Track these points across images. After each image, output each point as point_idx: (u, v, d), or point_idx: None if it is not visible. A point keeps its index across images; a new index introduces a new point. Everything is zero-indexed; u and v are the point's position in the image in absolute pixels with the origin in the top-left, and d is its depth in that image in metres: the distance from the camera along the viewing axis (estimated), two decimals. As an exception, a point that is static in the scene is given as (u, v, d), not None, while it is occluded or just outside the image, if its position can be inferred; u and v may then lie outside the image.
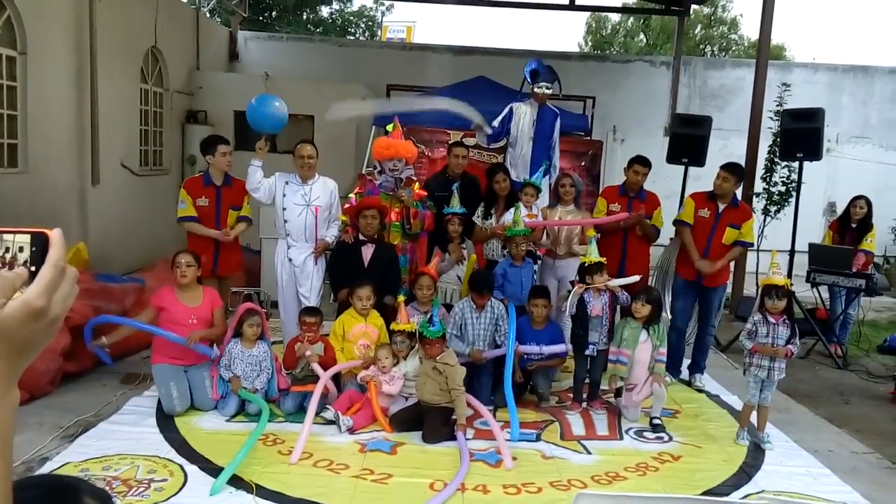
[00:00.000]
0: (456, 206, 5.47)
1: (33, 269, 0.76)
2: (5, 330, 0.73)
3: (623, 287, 4.96)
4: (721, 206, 5.50)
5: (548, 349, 4.95)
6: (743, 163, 8.53)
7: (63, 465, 3.69)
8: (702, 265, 5.45)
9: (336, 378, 4.80)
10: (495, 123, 6.05)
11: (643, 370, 4.75)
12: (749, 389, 4.51)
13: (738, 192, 5.75)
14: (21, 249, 0.77)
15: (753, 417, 4.61)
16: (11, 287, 0.74)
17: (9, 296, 0.73)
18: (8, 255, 0.77)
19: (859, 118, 12.59)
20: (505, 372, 4.71)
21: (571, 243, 5.59)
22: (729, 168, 5.52)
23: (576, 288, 4.85)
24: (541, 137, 5.99)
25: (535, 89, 5.97)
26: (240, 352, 4.68)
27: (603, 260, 4.93)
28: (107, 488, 3.46)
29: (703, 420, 4.94)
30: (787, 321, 4.41)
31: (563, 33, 50.91)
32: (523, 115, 5.99)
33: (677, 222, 5.71)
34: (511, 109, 6.04)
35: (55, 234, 0.77)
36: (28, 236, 0.78)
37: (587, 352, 4.91)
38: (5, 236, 0.78)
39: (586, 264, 4.92)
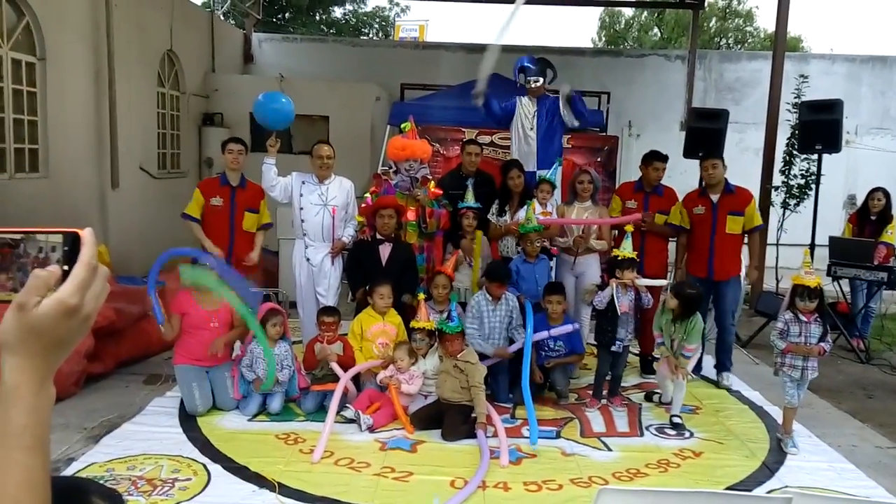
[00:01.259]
0: (470, 200, 5.47)
1: (66, 268, 0.78)
2: (41, 327, 0.75)
3: (648, 288, 4.95)
4: (715, 198, 5.46)
5: (555, 331, 4.91)
6: (760, 156, 8.51)
7: (89, 466, 3.74)
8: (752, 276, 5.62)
9: (355, 377, 4.83)
10: (497, 103, 6.04)
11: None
12: (786, 391, 4.35)
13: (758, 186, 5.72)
14: (53, 249, 0.80)
15: (777, 414, 4.57)
16: (45, 285, 0.76)
17: (43, 294, 0.75)
18: (41, 255, 0.79)
19: (878, 109, 12.44)
20: (522, 372, 4.69)
21: (589, 239, 5.57)
22: (712, 156, 5.53)
23: (612, 283, 4.82)
24: (544, 130, 5.95)
25: (525, 85, 5.95)
26: (261, 351, 4.71)
27: (635, 256, 4.90)
28: (132, 488, 3.51)
29: (725, 416, 4.91)
30: (818, 319, 4.28)
31: (577, 29, 50.73)
32: (524, 109, 5.97)
33: (679, 228, 5.68)
34: (515, 103, 6.02)
35: (87, 234, 0.79)
36: (60, 236, 0.80)
37: (614, 348, 4.89)
38: (38, 236, 0.80)
39: (618, 258, 4.88)
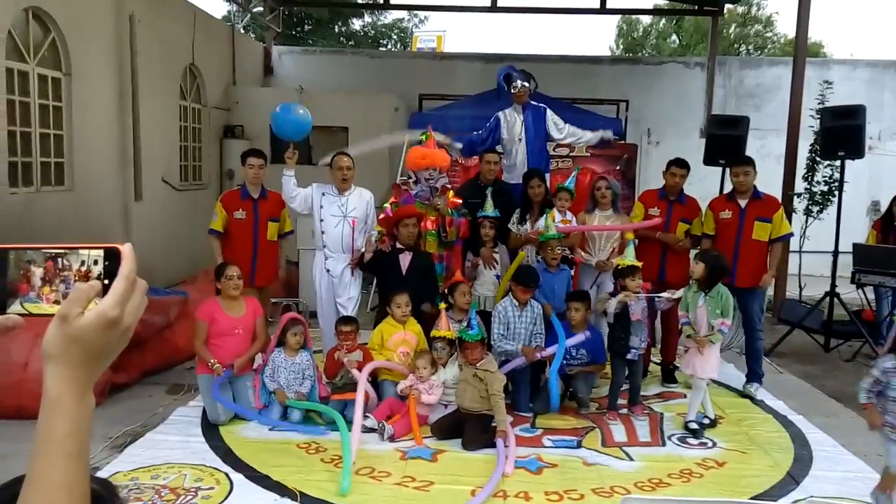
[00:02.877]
0: (489, 209, 5.48)
1: (106, 282, 0.81)
2: (83, 338, 0.77)
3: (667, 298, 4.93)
4: (743, 203, 5.43)
5: (569, 341, 4.87)
6: (782, 162, 8.43)
7: (113, 475, 3.79)
8: (765, 280, 5.43)
9: (376, 385, 4.84)
10: (478, 132, 6.10)
11: (703, 332, 4.68)
12: (889, 452, 3.32)
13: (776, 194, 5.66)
14: (95, 263, 0.83)
15: (802, 423, 4.48)
16: (86, 297, 0.79)
17: (84, 306, 0.78)
18: (83, 269, 0.83)
19: (902, 114, 12.28)
20: (550, 375, 4.72)
21: (611, 250, 5.55)
22: (745, 162, 5.50)
23: (621, 296, 4.81)
24: (532, 139, 5.96)
25: (512, 90, 5.97)
26: (283, 360, 4.75)
27: (637, 263, 4.89)
28: (156, 497, 3.55)
29: (748, 425, 4.86)
30: None
31: (595, 37, 50.62)
32: (510, 121, 5.99)
33: (703, 235, 5.65)
34: (497, 118, 6.05)
35: (126, 249, 0.83)
36: (101, 251, 0.84)
37: (629, 356, 4.87)
38: (80, 251, 0.84)
39: (619, 267, 4.91)
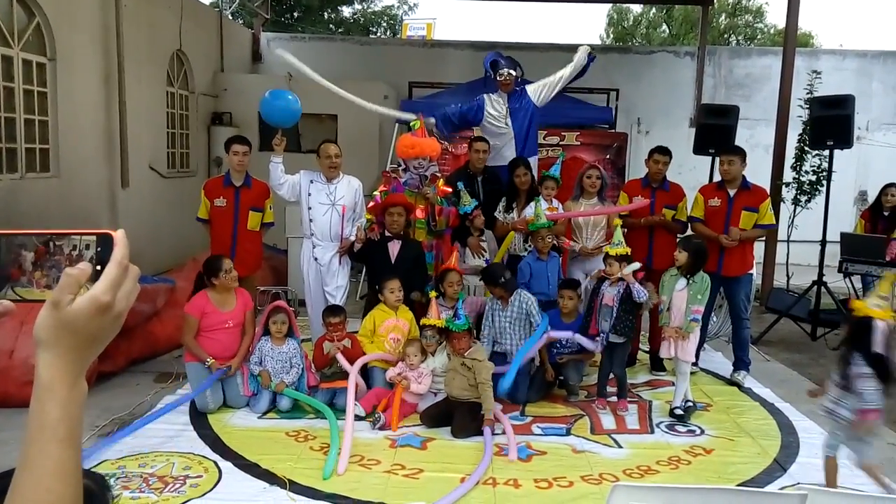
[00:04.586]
0: (467, 202, 5.46)
1: (99, 267, 0.80)
2: (75, 323, 0.77)
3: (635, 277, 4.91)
4: (732, 192, 5.45)
5: (554, 333, 4.87)
6: (771, 152, 8.46)
7: (100, 463, 3.77)
8: (724, 240, 5.31)
9: (365, 374, 4.83)
10: (457, 105, 6.02)
11: (679, 317, 4.68)
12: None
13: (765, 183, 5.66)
14: (87, 248, 0.82)
15: (789, 411, 4.49)
16: (76, 283, 0.78)
17: (75, 291, 0.78)
18: (75, 253, 0.82)
19: (890, 104, 12.33)
20: (520, 351, 4.69)
21: (598, 235, 5.56)
22: (731, 150, 5.50)
23: (595, 272, 4.86)
24: (518, 128, 5.92)
25: (498, 77, 5.91)
26: (270, 349, 4.73)
27: (613, 250, 4.86)
28: (144, 485, 3.53)
29: (736, 413, 4.89)
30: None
31: (585, 26, 50.58)
32: (495, 107, 5.94)
33: (690, 219, 5.65)
34: (482, 100, 5.99)
35: (119, 235, 0.82)
36: (94, 237, 0.83)
37: (597, 339, 4.87)
38: (72, 237, 0.83)
39: (607, 254, 4.94)
